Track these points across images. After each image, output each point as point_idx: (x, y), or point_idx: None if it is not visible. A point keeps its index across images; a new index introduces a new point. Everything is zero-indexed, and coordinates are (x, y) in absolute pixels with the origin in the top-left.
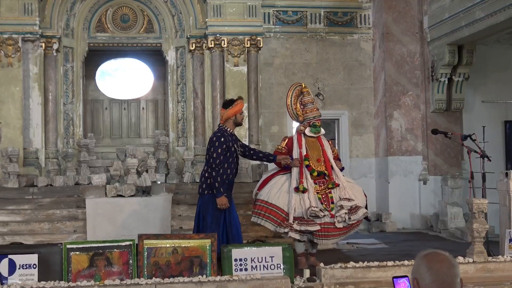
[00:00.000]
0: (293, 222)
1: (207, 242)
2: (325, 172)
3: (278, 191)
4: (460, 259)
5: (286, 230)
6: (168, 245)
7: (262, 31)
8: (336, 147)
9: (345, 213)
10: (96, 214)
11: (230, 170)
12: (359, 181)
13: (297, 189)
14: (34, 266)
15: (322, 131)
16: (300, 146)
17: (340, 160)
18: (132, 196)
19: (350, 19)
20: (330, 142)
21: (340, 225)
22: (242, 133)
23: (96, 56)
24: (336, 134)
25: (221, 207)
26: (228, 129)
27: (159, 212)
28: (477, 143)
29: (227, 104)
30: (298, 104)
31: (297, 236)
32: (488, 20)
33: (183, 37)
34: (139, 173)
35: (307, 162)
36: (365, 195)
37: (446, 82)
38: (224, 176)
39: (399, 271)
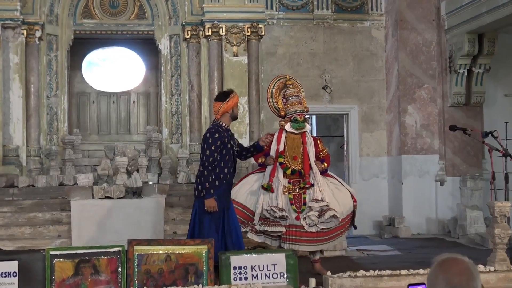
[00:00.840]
0: (258, 222)
1: (203, 249)
2: (301, 170)
3: (248, 190)
4: (481, 267)
5: (246, 230)
6: (160, 252)
7: (264, 17)
8: (345, 145)
9: (315, 215)
10: (82, 218)
11: (228, 169)
12: (370, 182)
13: (262, 187)
14: (14, 274)
15: (307, 126)
16: (278, 143)
17: (324, 161)
18: (121, 198)
19: (360, 5)
20: (318, 141)
21: (312, 229)
22: (242, 130)
23: (82, 45)
24: (344, 131)
25: (209, 210)
26: (224, 124)
27: (151, 216)
28: (499, 140)
29: (223, 96)
30: (280, 97)
31: (256, 238)
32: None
33: (178, 24)
34: (129, 173)
35: (281, 160)
36: (354, 199)
37: (465, 74)
38: (221, 176)
39: (414, 280)
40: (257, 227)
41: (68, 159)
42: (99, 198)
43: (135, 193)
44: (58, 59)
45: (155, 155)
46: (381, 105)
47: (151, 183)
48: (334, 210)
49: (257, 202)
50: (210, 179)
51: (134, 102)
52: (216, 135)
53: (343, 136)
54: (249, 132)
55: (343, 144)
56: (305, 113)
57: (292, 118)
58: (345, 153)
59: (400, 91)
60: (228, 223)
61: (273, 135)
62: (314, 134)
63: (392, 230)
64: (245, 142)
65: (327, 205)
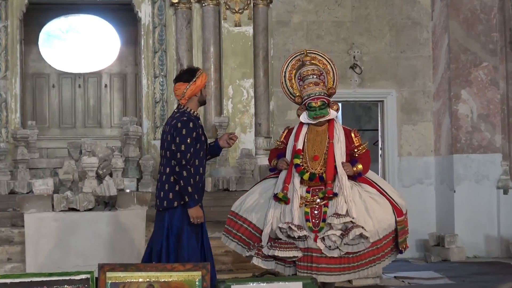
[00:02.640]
0: (267, 244)
1: (196, 276)
2: (323, 175)
3: (256, 201)
4: None
5: (250, 254)
6: (141, 280)
7: None
8: (379, 142)
9: (337, 235)
10: (40, 236)
11: (203, 169)
12: (412, 190)
13: (276, 197)
14: None
15: (332, 113)
16: (296, 139)
17: (357, 161)
18: (89, 210)
19: None
20: (353, 134)
21: (333, 254)
22: (246, 121)
23: (39, 12)
24: (379, 123)
25: (196, 221)
26: (193, 112)
27: (129, 233)
28: None
29: (188, 75)
30: (295, 80)
31: (263, 265)
32: None
33: None
34: (100, 178)
35: (297, 161)
36: (398, 213)
37: None
38: (196, 177)
39: None
40: (265, 250)
41: (21, 159)
42: (61, 211)
43: (107, 203)
44: (8, 30)
45: (133, 155)
46: (426, 90)
47: (128, 190)
48: (362, 227)
49: (266, 218)
50: (192, 181)
51: (106, 86)
52: (191, 125)
53: (377, 130)
54: (255, 124)
55: (377, 141)
56: (324, 96)
57: (307, 104)
58: (379, 152)
59: (451, 72)
60: (206, 238)
61: (234, 137)
62: None
63: (441, 251)
64: (249, 137)
65: (352, 221)
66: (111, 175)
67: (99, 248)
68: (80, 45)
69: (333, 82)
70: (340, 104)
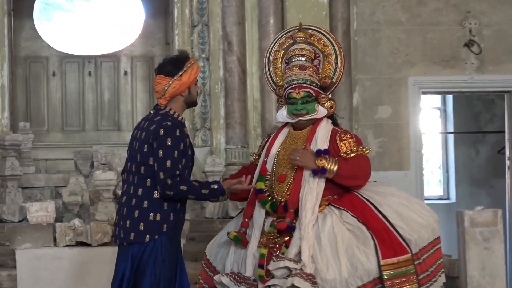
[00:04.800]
0: None
1: None
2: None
3: (225, 240)
4: None
5: None
6: None
7: None
8: (507, 149)
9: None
10: (37, 280)
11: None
12: None
13: (229, 237)
14: None
15: (320, 111)
16: (269, 149)
17: (329, 157)
18: (105, 244)
19: None
20: (340, 135)
21: None
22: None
23: None
24: (506, 123)
25: (239, 190)
26: (178, 115)
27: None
28: None
29: (171, 67)
30: (281, 62)
31: None
32: None
33: None
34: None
35: (261, 185)
36: (402, 251)
37: None
38: (177, 204)
39: None
40: None
41: (11, 175)
42: (67, 246)
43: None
44: None
45: None
46: None
47: None
48: (308, 276)
49: (226, 263)
50: (198, 185)
51: (126, 73)
52: (177, 133)
53: (503, 132)
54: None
55: (503, 147)
56: (311, 85)
57: (287, 95)
58: (506, 162)
59: None
60: (181, 278)
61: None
62: (451, 128)
63: None
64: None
65: (300, 269)
66: None
67: None
68: (90, 17)
69: (334, 71)
70: (450, 97)
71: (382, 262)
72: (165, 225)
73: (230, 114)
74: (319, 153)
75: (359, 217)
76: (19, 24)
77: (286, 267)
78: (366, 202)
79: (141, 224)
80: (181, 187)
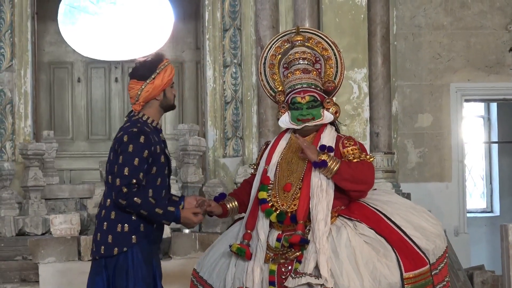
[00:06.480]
0: None
1: None
2: (295, 212)
3: (220, 255)
4: None
5: None
6: None
7: None
8: None
9: None
10: None
11: (162, 207)
12: None
13: (231, 250)
14: None
15: (326, 116)
16: (268, 159)
17: (332, 155)
18: None
19: None
20: (343, 142)
21: None
22: (358, 130)
23: None
24: None
25: (193, 224)
26: (151, 121)
27: None
28: None
29: (143, 70)
30: (279, 67)
31: None
32: None
33: None
34: None
35: (263, 194)
36: (421, 264)
37: None
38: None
39: None
40: None
41: (34, 186)
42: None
43: (159, 248)
44: (15, 1)
45: (194, 179)
46: None
47: (187, 231)
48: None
49: (226, 282)
50: (153, 201)
51: None
52: (141, 139)
53: None
54: (371, 134)
55: None
56: (316, 89)
57: (290, 100)
58: None
59: None
60: None
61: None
62: (495, 138)
63: None
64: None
65: (314, 284)
66: None
67: None
68: (117, 21)
69: (335, 74)
70: (495, 104)
71: (405, 275)
72: (133, 237)
73: (263, 122)
74: (323, 148)
75: (375, 229)
76: (43, 28)
77: (308, 284)
78: (377, 212)
79: (109, 236)
80: (135, 199)
